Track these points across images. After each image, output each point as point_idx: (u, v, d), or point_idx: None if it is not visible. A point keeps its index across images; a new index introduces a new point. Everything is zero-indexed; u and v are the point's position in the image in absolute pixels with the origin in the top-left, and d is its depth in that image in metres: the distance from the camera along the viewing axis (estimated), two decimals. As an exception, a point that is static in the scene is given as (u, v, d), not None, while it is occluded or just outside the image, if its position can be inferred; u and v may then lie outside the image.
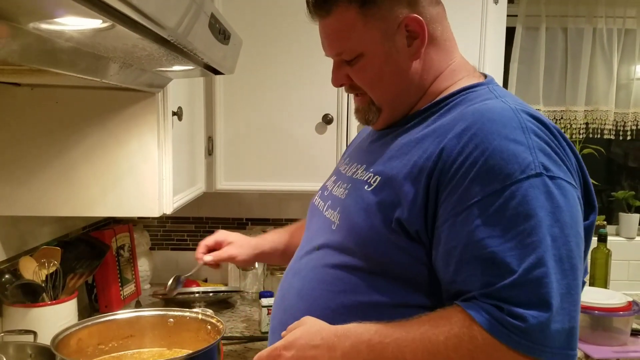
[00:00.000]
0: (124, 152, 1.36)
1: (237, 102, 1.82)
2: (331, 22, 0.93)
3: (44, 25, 0.64)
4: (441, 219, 0.81)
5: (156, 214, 1.38)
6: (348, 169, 1.03)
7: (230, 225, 2.17)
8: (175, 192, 1.47)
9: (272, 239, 1.31)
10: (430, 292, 0.85)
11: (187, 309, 1.21)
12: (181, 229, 2.18)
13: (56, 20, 0.63)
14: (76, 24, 0.65)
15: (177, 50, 0.86)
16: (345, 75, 0.96)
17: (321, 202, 1.06)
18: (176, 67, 1.12)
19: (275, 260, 1.36)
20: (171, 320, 1.21)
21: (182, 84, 1.55)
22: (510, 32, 2.09)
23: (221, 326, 1.13)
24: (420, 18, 0.90)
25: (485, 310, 0.74)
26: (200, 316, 1.19)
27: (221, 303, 1.91)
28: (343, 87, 1.00)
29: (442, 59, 0.94)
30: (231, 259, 1.24)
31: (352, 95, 1.02)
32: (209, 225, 2.18)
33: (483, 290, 0.75)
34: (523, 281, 0.74)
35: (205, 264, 1.22)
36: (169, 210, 1.42)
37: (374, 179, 0.90)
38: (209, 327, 1.16)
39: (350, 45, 0.92)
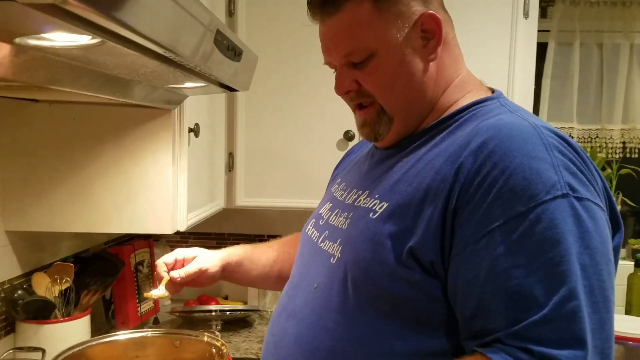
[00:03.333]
0: (139, 169, 1.35)
1: (258, 118, 1.80)
2: (340, 19, 0.83)
3: (32, 41, 0.63)
4: (459, 246, 0.73)
5: (169, 231, 1.36)
6: (347, 196, 0.93)
7: (251, 242, 2.14)
8: (190, 209, 1.45)
9: (242, 251, 1.17)
10: (447, 335, 0.76)
11: (194, 331, 1.18)
12: (203, 245, 2.13)
13: (43, 35, 0.61)
14: (64, 39, 0.63)
15: (180, 67, 0.84)
16: (352, 80, 0.86)
17: (315, 232, 0.97)
18: (188, 84, 1.10)
19: (247, 279, 1.20)
20: (178, 342, 1.18)
21: (202, 100, 1.54)
22: (542, 48, 2.02)
23: (225, 350, 1.09)
24: (438, 15, 0.83)
25: (513, 356, 0.66)
26: (205, 338, 1.15)
27: (239, 322, 1.87)
28: (348, 96, 0.90)
29: (453, 66, 0.87)
30: (200, 274, 1.08)
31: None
32: (230, 241, 2.15)
33: (509, 330, 0.67)
34: (554, 316, 0.66)
35: (171, 282, 1.06)
36: (182, 227, 1.40)
37: (380, 205, 0.82)
38: (214, 350, 1.13)
39: (361, 44, 0.83)
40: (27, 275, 1.41)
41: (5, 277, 1.35)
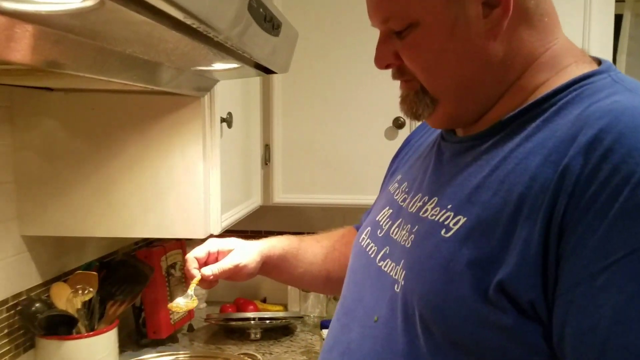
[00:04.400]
0: (166, 165, 1.19)
1: (297, 106, 1.62)
2: None
3: (8, 4, 0.46)
4: (568, 282, 0.53)
5: (201, 236, 1.21)
6: (410, 202, 0.73)
7: (290, 241, 1.98)
8: (224, 209, 1.28)
9: (286, 244, 1.00)
10: None
11: (233, 355, 1.02)
12: (238, 244, 2.01)
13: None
14: (51, 1, 0.46)
15: (207, 40, 0.67)
16: (393, 52, 0.68)
17: (372, 245, 0.77)
18: (218, 66, 0.93)
19: (290, 277, 1.02)
20: (213, 366, 1.02)
21: (234, 87, 1.37)
22: (617, 20, 1.77)
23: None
24: None
25: None
26: (246, 362, 0.99)
27: (279, 329, 1.71)
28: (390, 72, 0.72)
29: (538, 40, 0.66)
30: (237, 271, 0.91)
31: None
32: (267, 240, 1.99)
33: None
34: None
35: (204, 280, 0.90)
36: (216, 230, 1.24)
37: (455, 220, 0.62)
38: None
39: (402, 9, 0.65)
40: (48, 284, 1.27)
41: (23, 287, 1.22)
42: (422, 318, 0.62)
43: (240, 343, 1.63)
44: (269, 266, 0.97)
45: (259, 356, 1.02)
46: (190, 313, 1.71)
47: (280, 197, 1.64)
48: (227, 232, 2.03)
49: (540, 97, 0.64)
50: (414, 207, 0.72)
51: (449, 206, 0.64)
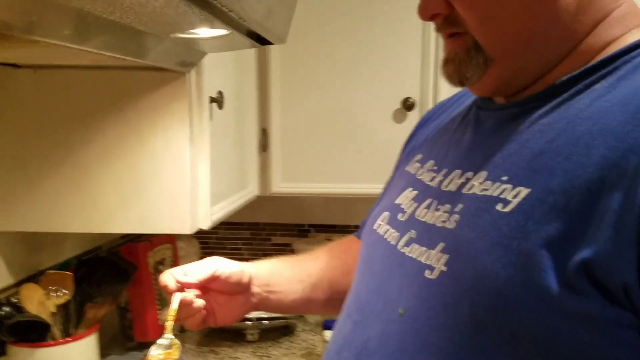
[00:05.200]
0: (148, 151, 1.05)
1: (297, 86, 1.48)
2: None
3: None
4: None
5: (188, 231, 1.07)
6: (443, 179, 0.64)
7: (290, 233, 1.85)
8: (215, 201, 1.15)
9: (271, 263, 0.87)
10: None
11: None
12: (235, 236, 1.88)
13: None
14: None
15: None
16: (442, 0, 0.58)
17: (392, 230, 0.67)
18: (202, 32, 0.79)
19: (287, 299, 0.85)
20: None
21: (226, 62, 1.22)
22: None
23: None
24: None
25: None
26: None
27: (278, 329, 1.58)
28: (436, 23, 0.61)
29: None
30: (213, 278, 0.77)
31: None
32: (266, 232, 1.86)
33: None
34: None
35: (184, 305, 0.75)
36: (205, 224, 1.10)
37: (515, 192, 0.52)
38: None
39: None
40: (20, 285, 1.14)
41: (-11, 289, 1.09)
42: (472, 308, 0.51)
43: (235, 345, 1.50)
44: (261, 286, 0.83)
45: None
46: (181, 312, 1.58)
47: (279, 186, 1.50)
48: (224, 226, 1.89)
49: (612, 54, 0.54)
50: (451, 185, 0.61)
51: (503, 178, 0.54)
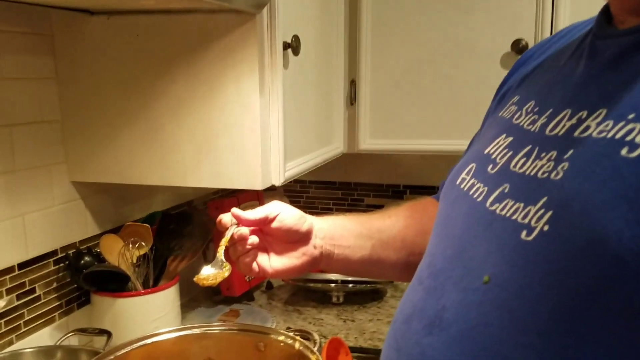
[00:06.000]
0: (219, 103, 0.99)
1: (390, 32, 1.34)
2: None
3: None
4: None
5: (259, 186, 1.01)
6: (548, 123, 0.52)
7: (384, 194, 1.74)
8: (290, 156, 1.07)
9: (340, 218, 0.79)
10: None
11: (287, 333, 0.82)
12: (326, 196, 1.81)
13: None
14: None
15: None
16: None
17: (480, 186, 0.55)
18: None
19: (355, 257, 0.77)
20: (262, 345, 0.84)
21: (305, 3, 1.13)
22: None
23: (321, 373, 0.72)
24: None
25: None
26: (297, 345, 0.79)
27: (367, 293, 1.50)
28: None
29: None
30: (269, 220, 0.72)
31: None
32: (358, 192, 1.77)
33: None
34: None
35: (234, 242, 0.72)
36: (278, 180, 1.04)
37: None
38: (308, 366, 0.76)
39: None
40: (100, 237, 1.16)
41: (75, 238, 1.12)
42: (581, 277, 0.41)
43: (320, 306, 1.45)
44: (326, 239, 0.76)
45: (315, 335, 0.81)
46: (268, 270, 1.56)
47: (367, 143, 1.40)
48: (315, 184, 1.83)
49: None
50: (558, 128, 0.50)
51: (629, 116, 0.43)
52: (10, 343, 0.99)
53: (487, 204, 0.51)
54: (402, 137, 1.37)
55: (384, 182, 1.73)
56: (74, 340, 1.08)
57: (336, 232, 0.77)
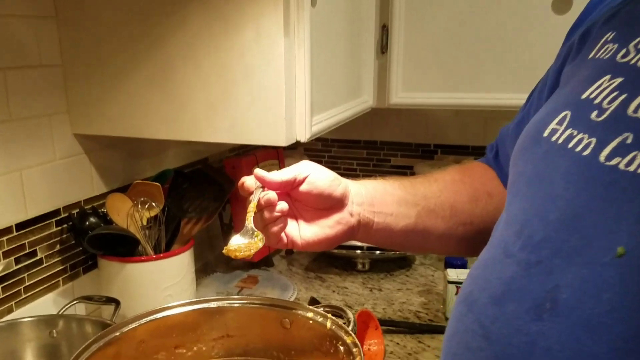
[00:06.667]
0: (236, 44, 0.87)
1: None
2: None
3: None
4: None
5: (282, 142, 0.89)
6: None
7: (412, 154, 1.62)
8: (317, 109, 0.95)
9: (381, 181, 0.69)
10: None
11: (316, 310, 0.72)
12: (350, 156, 1.69)
13: None
14: None
15: None
16: None
17: (583, 137, 0.44)
18: None
19: (400, 227, 0.66)
20: (287, 321, 0.74)
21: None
22: None
23: (358, 358, 0.62)
24: None
25: None
26: (329, 324, 0.69)
27: (394, 261, 1.40)
28: None
29: None
30: (298, 183, 0.63)
31: None
32: (384, 151, 1.65)
33: None
34: None
35: (262, 207, 0.62)
36: (304, 136, 0.92)
37: None
38: (341, 348, 0.66)
39: None
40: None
41: (79, 196, 1.02)
42: None
43: (344, 273, 1.35)
44: (365, 206, 0.66)
45: (349, 312, 0.71)
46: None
47: (400, 96, 1.27)
48: (338, 143, 1.71)
49: None
50: None
51: None
52: (10, 310, 0.90)
53: (601, 158, 0.40)
54: (438, 90, 1.23)
55: (413, 140, 1.61)
56: (80, 309, 0.99)
57: (376, 198, 0.66)
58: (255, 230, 0.63)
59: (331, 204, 0.64)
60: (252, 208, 0.62)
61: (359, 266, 1.35)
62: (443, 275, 1.19)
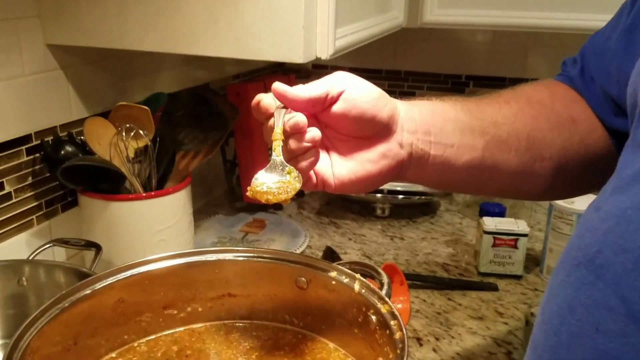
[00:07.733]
0: None
1: None
2: None
3: None
4: None
5: (300, 59, 0.72)
6: None
7: (440, 86, 1.44)
8: (341, 21, 0.77)
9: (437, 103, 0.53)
10: None
11: (339, 268, 0.57)
12: (369, 87, 1.51)
13: None
14: None
15: None
16: None
17: None
18: None
19: (445, 166, 0.51)
20: (304, 281, 0.59)
21: None
22: None
23: (398, 335, 0.47)
24: None
25: None
26: (357, 287, 0.54)
27: (416, 206, 1.25)
28: None
29: None
30: (331, 101, 0.47)
31: None
32: (408, 83, 1.47)
33: None
34: None
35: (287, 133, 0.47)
36: (325, 52, 0.74)
37: None
38: (373, 317, 0.52)
39: None
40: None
41: (54, 121, 0.86)
42: None
43: (361, 219, 1.21)
44: (416, 128, 0.49)
45: (383, 275, 0.56)
46: (299, 172, 1.30)
47: (435, 14, 1.07)
48: (354, 71, 1.51)
49: None
50: None
51: None
52: (-28, 253, 0.76)
53: None
54: (481, 6, 1.04)
55: (442, 71, 1.42)
56: (60, 253, 0.85)
57: (434, 123, 0.50)
58: (287, 165, 0.46)
59: (374, 130, 0.48)
60: (278, 134, 0.46)
61: (378, 211, 1.20)
62: (476, 223, 1.04)
